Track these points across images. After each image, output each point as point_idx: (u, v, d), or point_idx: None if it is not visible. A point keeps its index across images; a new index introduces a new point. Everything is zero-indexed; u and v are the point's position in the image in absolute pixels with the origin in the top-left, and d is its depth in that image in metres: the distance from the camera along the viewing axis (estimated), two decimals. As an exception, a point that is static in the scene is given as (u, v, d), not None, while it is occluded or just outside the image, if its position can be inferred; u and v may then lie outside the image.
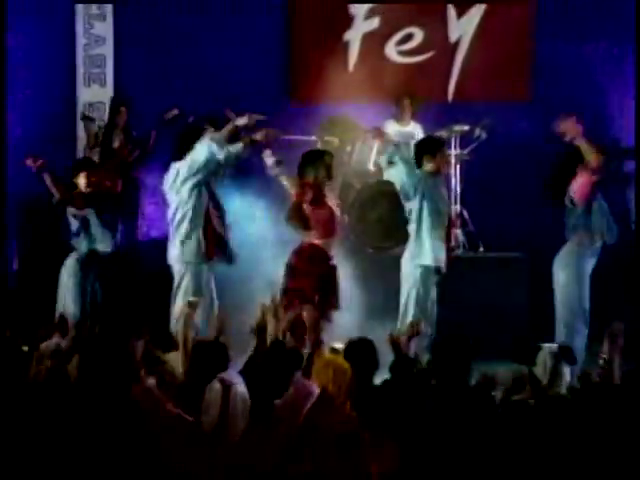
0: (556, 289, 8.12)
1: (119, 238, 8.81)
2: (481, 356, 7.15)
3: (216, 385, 4.62)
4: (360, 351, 5.76)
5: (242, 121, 8.33)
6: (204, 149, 8.09)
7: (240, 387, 4.62)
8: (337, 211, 7.99)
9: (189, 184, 8.17)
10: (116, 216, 8.65)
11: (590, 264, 8.02)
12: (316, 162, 7.90)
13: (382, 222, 9.67)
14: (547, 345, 5.57)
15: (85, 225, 8.21)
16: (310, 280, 7.64)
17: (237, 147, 8.14)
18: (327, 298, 7.71)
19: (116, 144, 10.36)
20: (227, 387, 4.58)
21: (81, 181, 8.19)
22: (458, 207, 10.17)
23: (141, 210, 10.58)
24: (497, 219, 10.36)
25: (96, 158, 9.96)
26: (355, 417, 4.98)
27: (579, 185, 7.95)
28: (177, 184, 8.20)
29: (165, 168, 9.57)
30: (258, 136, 8.18)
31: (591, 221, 7.94)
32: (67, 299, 8.14)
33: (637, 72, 10.55)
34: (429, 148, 7.96)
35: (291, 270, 7.74)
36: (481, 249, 10.07)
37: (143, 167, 10.43)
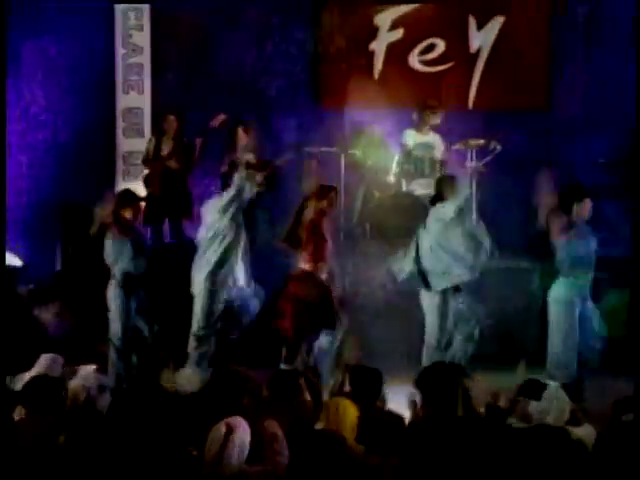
0: None
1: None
2: (490, 366, 7.61)
3: (221, 427, 4.92)
4: (365, 379, 6.25)
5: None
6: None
7: (241, 434, 4.91)
8: (330, 242, 8.32)
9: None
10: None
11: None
12: (322, 198, 8.33)
13: (400, 232, 10.09)
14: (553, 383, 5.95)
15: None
16: (300, 303, 8.07)
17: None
18: (322, 317, 8.12)
19: (164, 152, 10.72)
20: (229, 431, 4.89)
21: (127, 214, 8.39)
22: (474, 216, 10.54)
23: (190, 216, 10.57)
24: (511, 228, 10.55)
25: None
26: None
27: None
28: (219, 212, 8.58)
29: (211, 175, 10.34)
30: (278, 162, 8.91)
31: None
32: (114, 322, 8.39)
33: (638, 77, 10.84)
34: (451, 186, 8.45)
35: (284, 294, 8.19)
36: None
37: (189, 174, 10.73)
